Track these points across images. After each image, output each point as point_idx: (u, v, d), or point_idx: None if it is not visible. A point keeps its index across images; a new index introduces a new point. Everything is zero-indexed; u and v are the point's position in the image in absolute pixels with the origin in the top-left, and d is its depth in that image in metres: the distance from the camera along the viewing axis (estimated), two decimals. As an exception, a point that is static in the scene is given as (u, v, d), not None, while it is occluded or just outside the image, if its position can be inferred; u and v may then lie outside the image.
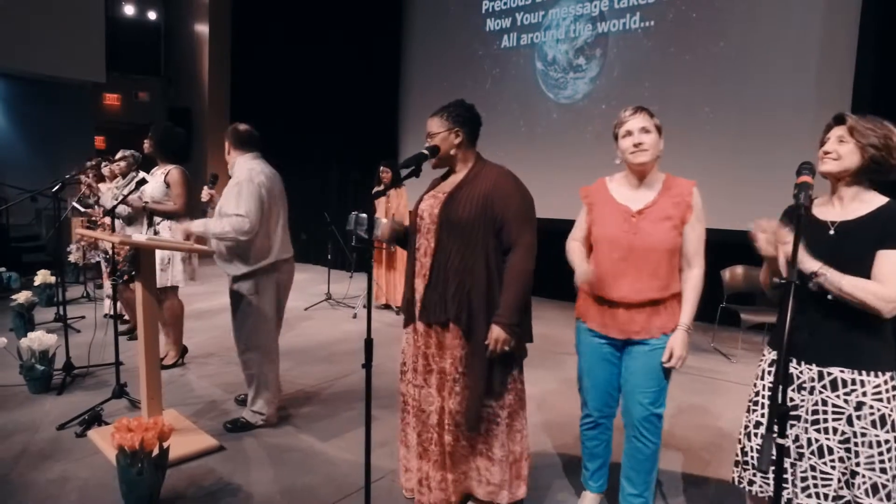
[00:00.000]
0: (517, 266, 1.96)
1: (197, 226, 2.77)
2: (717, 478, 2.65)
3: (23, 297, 4.55)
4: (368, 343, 1.82)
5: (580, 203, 2.18)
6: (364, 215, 5.65)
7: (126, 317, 5.13)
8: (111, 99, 11.28)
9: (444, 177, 2.14)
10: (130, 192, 3.52)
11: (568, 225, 2.23)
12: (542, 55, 7.15)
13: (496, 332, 1.93)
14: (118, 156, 4.52)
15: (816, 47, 5.26)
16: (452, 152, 2.05)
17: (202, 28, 10.70)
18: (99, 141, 11.18)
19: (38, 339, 3.34)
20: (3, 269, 6.58)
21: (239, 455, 2.70)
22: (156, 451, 2.17)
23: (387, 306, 6.09)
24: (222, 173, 3.05)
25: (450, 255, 1.98)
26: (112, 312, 5.33)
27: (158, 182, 3.74)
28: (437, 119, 2.04)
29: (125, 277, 3.42)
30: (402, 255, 5.93)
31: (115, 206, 3.27)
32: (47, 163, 8.88)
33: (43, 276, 5.68)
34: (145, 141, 3.75)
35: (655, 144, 1.97)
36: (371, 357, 1.82)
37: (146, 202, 3.66)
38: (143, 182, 3.74)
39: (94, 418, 2.86)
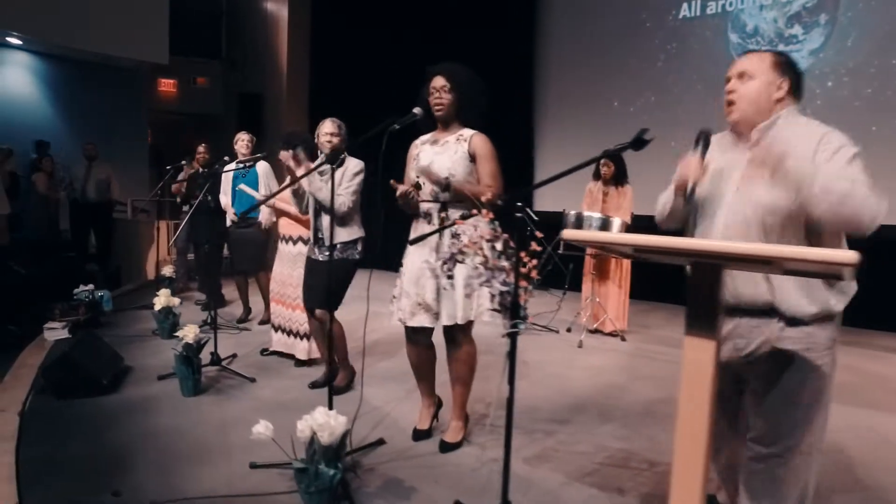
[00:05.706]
0: None
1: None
2: None
3: (190, 334, 3.19)
4: None
5: None
6: (594, 214, 4.39)
7: (316, 357, 3.74)
8: (166, 85, 9.88)
9: None
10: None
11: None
12: (739, 25, 5.95)
13: None
14: (328, 129, 3.26)
15: None
16: None
17: (276, 6, 9.32)
18: (146, 134, 9.82)
19: (325, 422, 2.03)
20: (90, 286, 5.20)
21: None
22: None
23: (597, 331, 4.80)
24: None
25: None
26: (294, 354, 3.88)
27: (458, 154, 2.47)
28: None
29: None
30: (613, 263, 4.71)
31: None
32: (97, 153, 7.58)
33: (165, 299, 4.34)
34: (439, 94, 2.46)
35: None
36: None
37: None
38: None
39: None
